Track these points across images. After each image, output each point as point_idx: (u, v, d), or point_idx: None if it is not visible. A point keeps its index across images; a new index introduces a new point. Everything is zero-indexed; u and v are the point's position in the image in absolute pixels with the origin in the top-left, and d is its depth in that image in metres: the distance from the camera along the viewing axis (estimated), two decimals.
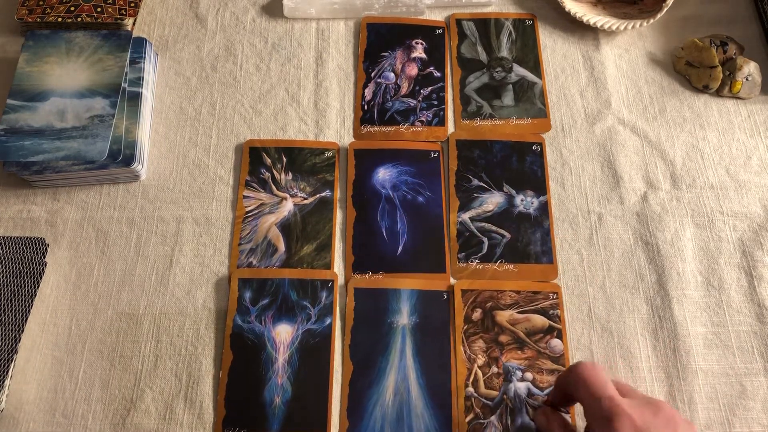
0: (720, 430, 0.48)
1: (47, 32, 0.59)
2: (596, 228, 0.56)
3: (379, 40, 0.65)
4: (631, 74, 0.63)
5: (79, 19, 0.61)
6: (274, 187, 0.57)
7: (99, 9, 0.62)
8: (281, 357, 0.50)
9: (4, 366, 0.48)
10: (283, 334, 0.51)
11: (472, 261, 0.54)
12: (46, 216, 0.56)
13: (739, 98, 0.62)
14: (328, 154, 0.59)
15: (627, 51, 0.65)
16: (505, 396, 0.49)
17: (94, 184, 0.57)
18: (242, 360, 0.50)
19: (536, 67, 0.64)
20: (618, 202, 0.57)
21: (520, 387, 0.49)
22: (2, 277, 0.51)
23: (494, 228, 0.56)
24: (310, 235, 0.55)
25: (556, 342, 0.51)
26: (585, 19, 0.63)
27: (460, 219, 0.56)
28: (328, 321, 0.51)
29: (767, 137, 0.60)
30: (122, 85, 0.57)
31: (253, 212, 0.56)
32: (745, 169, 0.58)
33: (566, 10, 0.64)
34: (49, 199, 0.57)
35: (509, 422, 0.48)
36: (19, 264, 0.52)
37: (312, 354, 0.50)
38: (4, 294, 0.50)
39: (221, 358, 0.50)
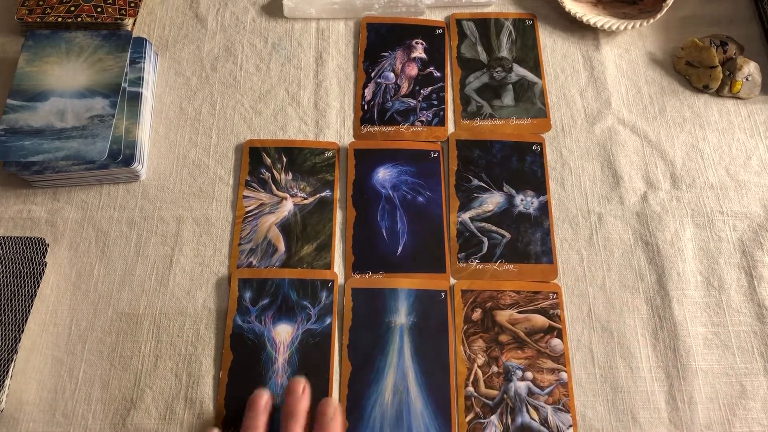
0: (720, 430, 0.48)
1: (47, 32, 0.59)
2: (596, 228, 0.56)
3: (379, 40, 0.65)
4: (631, 74, 0.63)
5: (79, 19, 0.61)
6: (274, 187, 0.57)
7: (99, 9, 0.62)
8: (281, 357, 0.50)
9: (4, 366, 0.48)
10: (283, 334, 0.51)
11: (472, 261, 0.54)
12: (46, 216, 0.56)
13: (739, 98, 0.62)
14: (328, 154, 0.59)
15: (627, 51, 0.65)
16: (505, 395, 0.49)
17: (94, 184, 0.57)
18: (242, 360, 0.50)
19: (536, 67, 0.64)
20: (618, 202, 0.57)
21: (520, 386, 0.49)
22: (2, 277, 0.51)
23: (494, 228, 0.56)
24: (310, 235, 0.55)
25: (556, 341, 0.51)
26: (585, 19, 0.63)
27: (460, 219, 0.56)
28: (328, 321, 0.51)
29: (767, 137, 0.60)
30: (122, 85, 0.57)
31: (253, 212, 0.56)
32: (745, 169, 0.58)
33: (566, 10, 0.64)
34: (49, 199, 0.57)
35: (509, 422, 0.48)
36: (19, 264, 0.52)
37: (312, 354, 0.50)
38: (4, 294, 0.50)
39: (221, 358, 0.50)
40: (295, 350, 0.50)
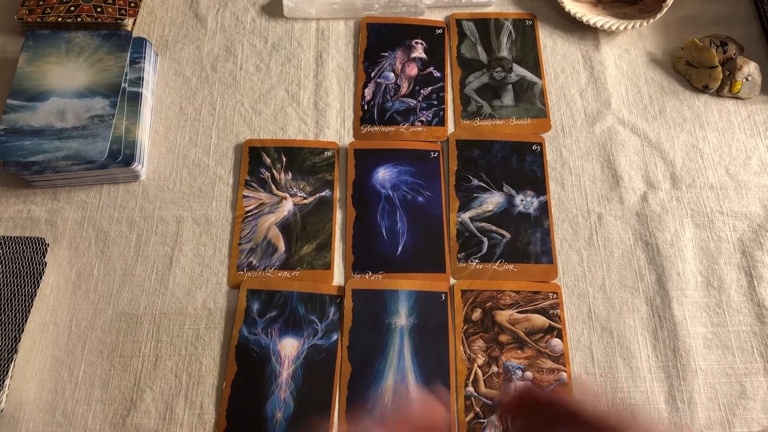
0: (720, 430, 0.48)
1: (47, 32, 0.59)
2: (596, 228, 0.56)
3: (379, 40, 0.65)
4: (631, 74, 0.63)
5: (79, 19, 0.61)
6: (273, 187, 0.57)
7: (99, 9, 0.62)
8: (285, 371, 0.49)
9: (4, 366, 0.48)
10: (289, 347, 0.50)
11: (471, 261, 0.54)
12: (46, 216, 0.56)
13: (739, 98, 0.62)
14: (328, 153, 0.59)
15: (627, 51, 0.65)
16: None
17: (94, 184, 0.57)
18: (246, 372, 0.49)
19: (536, 67, 0.64)
20: (618, 202, 0.57)
21: (520, 386, 0.49)
22: (2, 276, 0.51)
23: (494, 228, 0.56)
24: (310, 234, 0.55)
25: (556, 341, 0.51)
26: (585, 19, 0.63)
27: (460, 219, 0.56)
28: (334, 337, 0.51)
29: (767, 137, 0.60)
30: (122, 85, 0.57)
31: (253, 212, 0.56)
32: (745, 169, 0.58)
33: (566, 10, 0.64)
34: (49, 199, 0.57)
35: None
36: (19, 264, 0.52)
37: (317, 370, 0.50)
38: (4, 294, 0.50)
39: (223, 364, 0.50)
40: (299, 365, 0.50)
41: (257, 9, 0.67)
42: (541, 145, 0.59)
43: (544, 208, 0.57)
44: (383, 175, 0.58)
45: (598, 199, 0.57)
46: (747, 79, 0.61)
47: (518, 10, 0.67)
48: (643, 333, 0.52)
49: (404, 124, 0.60)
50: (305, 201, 0.56)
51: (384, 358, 0.50)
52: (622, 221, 0.56)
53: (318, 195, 0.57)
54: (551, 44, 0.65)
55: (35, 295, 0.51)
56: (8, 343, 0.49)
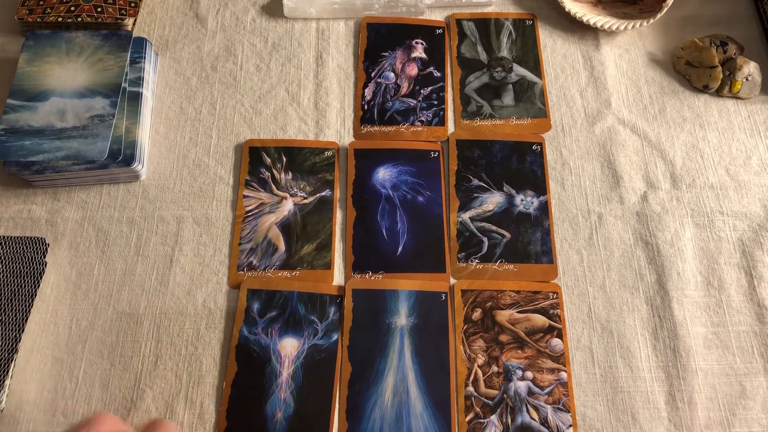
0: (720, 430, 0.48)
1: (47, 32, 0.59)
2: (596, 228, 0.56)
3: (379, 40, 0.65)
4: (631, 74, 0.63)
5: (79, 19, 0.61)
6: (273, 187, 0.57)
7: (99, 9, 0.62)
8: (285, 371, 0.50)
9: (4, 366, 0.48)
10: (289, 347, 0.50)
11: (472, 261, 0.54)
12: (47, 216, 0.56)
13: (739, 98, 0.62)
14: (328, 153, 0.59)
15: (627, 51, 0.65)
16: (505, 395, 0.49)
17: (94, 184, 0.57)
18: (246, 372, 0.49)
19: (536, 67, 0.64)
20: (618, 202, 0.57)
21: (520, 386, 0.50)
22: (2, 276, 0.51)
23: (494, 228, 0.56)
24: (310, 234, 0.55)
25: (556, 341, 0.51)
26: (585, 19, 0.63)
27: (460, 219, 0.56)
28: (335, 337, 0.51)
29: (767, 137, 0.60)
30: (122, 85, 0.57)
31: (253, 212, 0.56)
32: (745, 169, 0.58)
33: (566, 10, 0.64)
34: (49, 199, 0.57)
35: (509, 421, 0.48)
36: (19, 263, 0.52)
37: (317, 370, 0.50)
38: (4, 293, 0.50)
39: (223, 364, 0.50)
40: (299, 365, 0.50)
41: (257, 9, 0.67)
42: (541, 145, 0.59)
43: (544, 208, 0.57)
44: (383, 174, 0.58)
45: (598, 199, 0.57)
46: (747, 79, 0.61)
47: (518, 10, 0.67)
48: (643, 333, 0.52)
49: (404, 124, 0.60)
50: (305, 201, 0.56)
51: (384, 358, 0.50)
52: (622, 221, 0.56)
53: (318, 195, 0.57)
54: (551, 44, 0.65)
55: (35, 295, 0.51)
56: (8, 343, 0.49)
